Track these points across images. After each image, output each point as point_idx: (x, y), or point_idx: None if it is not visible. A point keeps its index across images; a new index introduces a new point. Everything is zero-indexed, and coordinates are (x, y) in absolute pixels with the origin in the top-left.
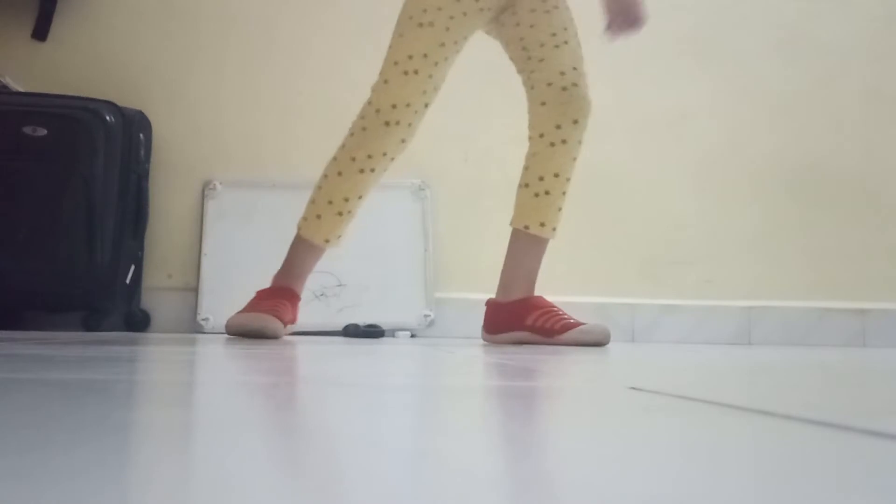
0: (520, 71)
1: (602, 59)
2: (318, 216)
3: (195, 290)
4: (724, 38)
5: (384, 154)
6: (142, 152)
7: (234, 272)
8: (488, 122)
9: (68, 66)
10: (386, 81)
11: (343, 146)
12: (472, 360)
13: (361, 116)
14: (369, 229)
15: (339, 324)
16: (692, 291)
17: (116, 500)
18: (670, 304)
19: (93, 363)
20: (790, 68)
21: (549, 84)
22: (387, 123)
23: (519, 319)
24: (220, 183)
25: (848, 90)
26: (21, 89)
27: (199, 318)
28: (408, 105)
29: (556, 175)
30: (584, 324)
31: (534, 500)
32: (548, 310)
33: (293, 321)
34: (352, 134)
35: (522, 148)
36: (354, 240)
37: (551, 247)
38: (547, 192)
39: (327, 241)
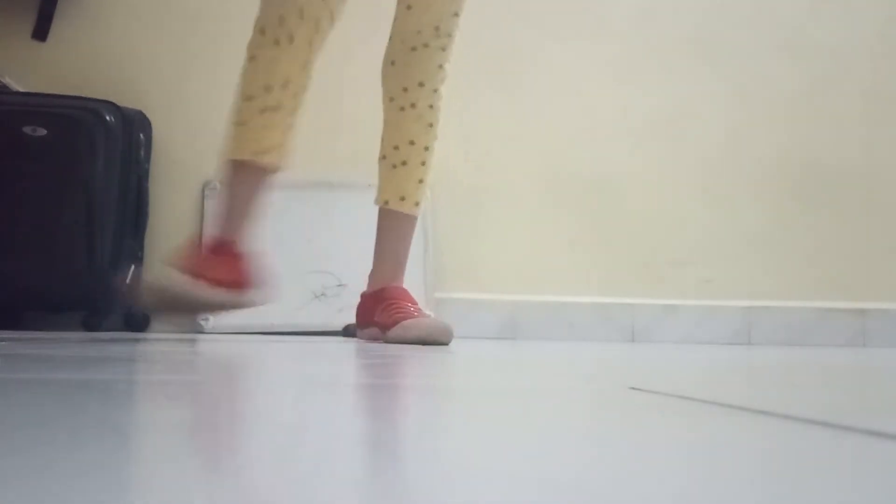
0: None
1: (602, 59)
2: (238, 122)
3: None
4: (724, 38)
5: (301, 13)
6: (142, 152)
7: None
8: (488, 122)
9: (68, 66)
10: None
11: (255, 22)
12: (478, 359)
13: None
14: (369, 229)
15: (339, 324)
16: (692, 291)
17: (116, 500)
18: (670, 304)
19: (93, 363)
20: (790, 68)
21: (402, 41)
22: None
23: (371, 313)
24: (220, 183)
25: (848, 90)
26: (21, 89)
27: (199, 317)
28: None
29: (412, 143)
30: (417, 318)
31: (533, 500)
32: (392, 302)
33: (234, 282)
34: (260, 9)
35: (522, 148)
36: (354, 240)
37: (551, 246)
38: (404, 163)
39: (258, 152)
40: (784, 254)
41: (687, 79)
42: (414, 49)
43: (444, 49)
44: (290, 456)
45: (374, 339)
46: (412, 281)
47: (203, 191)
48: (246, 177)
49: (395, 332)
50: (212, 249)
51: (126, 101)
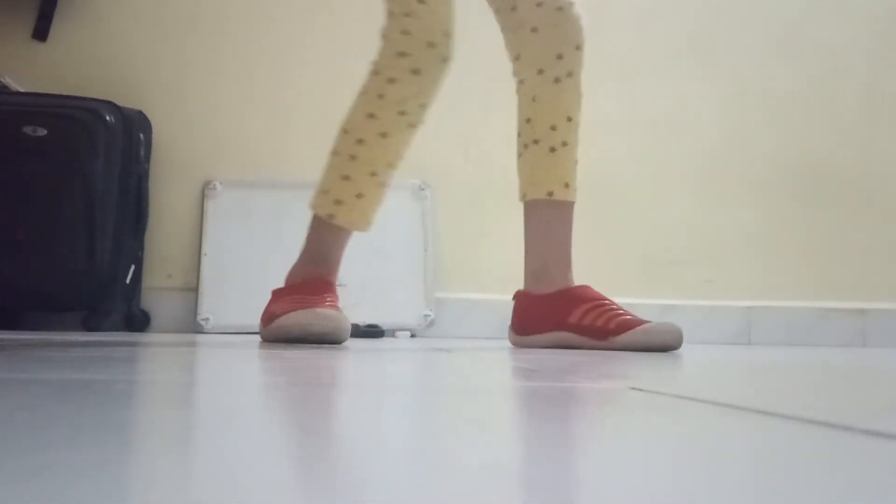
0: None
1: (602, 59)
2: (360, 195)
3: (195, 290)
4: (724, 38)
5: (422, 105)
6: (142, 152)
7: (234, 272)
8: (488, 122)
9: (68, 66)
10: (422, 1)
11: (381, 98)
12: (472, 361)
13: (401, 53)
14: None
15: None
16: (692, 291)
17: (116, 500)
18: (670, 304)
19: (93, 363)
20: (790, 68)
21: (540, 4)
22: (444, 59)
23: (560, 316)
24: (220, 183)
25: (848, 90)
26: (21, 89)
27: (199, 318)
28: (448, 34)
29: (570, 119)
30: (647, 322)
31: (533, 500)
32: (599, 303)
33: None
34: (391, 80)
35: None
36: (354, 239)
37: None
38: (564, 144)
39: (369, 223)
40: (784, 254)
41: (687, 79)
42: (560, 8)
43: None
44: (290, 456)
45: (562, 344)
46: (412, 281)
47: (203, 191)
48: (346, 235)
49: (631, 336)
50: (325, 288)
51: (126, 101)
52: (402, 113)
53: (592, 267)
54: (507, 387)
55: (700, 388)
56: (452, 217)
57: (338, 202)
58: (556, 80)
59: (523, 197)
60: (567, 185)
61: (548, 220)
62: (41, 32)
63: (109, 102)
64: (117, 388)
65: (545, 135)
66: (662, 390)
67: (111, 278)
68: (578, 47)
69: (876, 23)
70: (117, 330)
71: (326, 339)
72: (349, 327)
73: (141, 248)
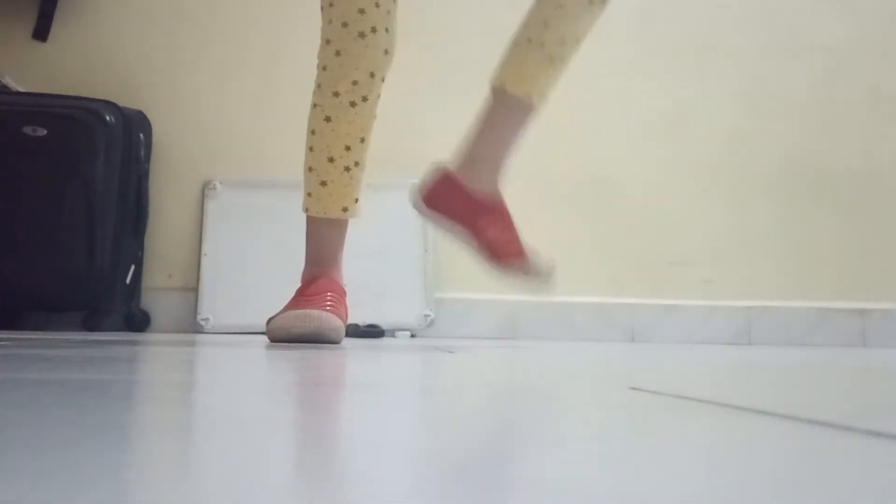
0: None
1: (602, 58)
2: (323, 182)
3: (195, 290)
4: (724, 38)
5: (372, 74)
6: (142, 152)
7: (234, 272)
8: None
9: (68, 66)
10: None
11: (318, 87)
12: (471, 359)
13: (326, 41)
14: (369, 229)
15: None
16: (692, 291)
17: (116, 500)
18: (670, 304)
19: (93, 363)
20: (791, 69)
21: None
22: (361, 34)
23: (472, 214)
24: (220, 183)
25: (850, 90)
26: (21, 89)
27: (199, 318)
28: (377, 5)
29: (578, 41)
30: (532, 258)
31: (534, 500)
32: (509, 224)
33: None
34: (323, 68)
35: (523, 148)
36: (354, 240)
37: (552, 246)
38: (563, 59)
39: (345, 209)
40: (784, 254)
41: (688, 79)
42: None
43: None
44: (290, 456)
45: (454, 233)
46: (412, 281)
47: (203, 191)
48: (331, 227)
49: (519, 265)
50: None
51: (126, 101)
52: (336, 94)
53: (593, 267)
54: (508, 387)
55: (700, 388)
56: None
57: (308, 194)
58: (591, 2)
59: (499, 83)
60: (543, 96)
61: (508, 119)
62: (41, 32)
63: (109, 102)
64: (117, 388)
65: (552, 43)
66: (662, 390)
67: (111, 278)
68: None
69: (876, 23)
70: (117, 330)
71: (314, 340)
72: (336, 325)
73: (141, 248)
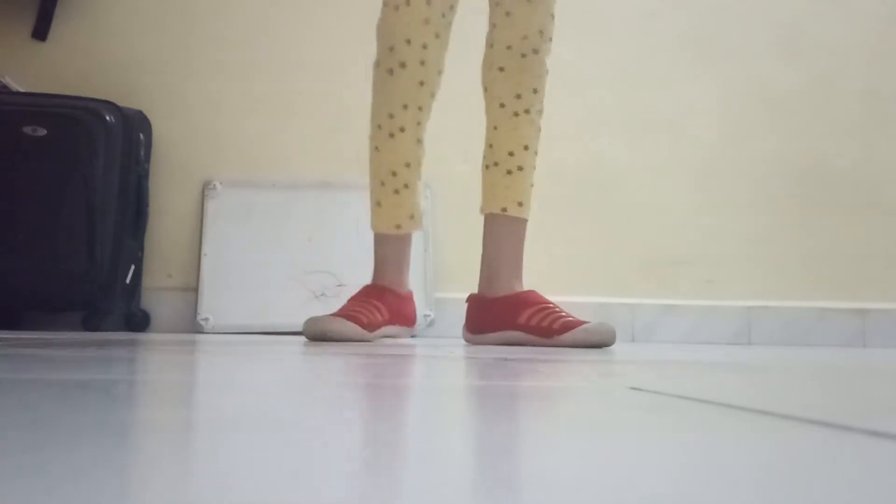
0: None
1: (602, 58)
2: (378, 203)
3: (195, 290)
4: (724, 38)
5: (405, 106)
6: (142, 152)
7: (234, 272)
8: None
9: (68, 66)
10: (378, 26)
11: (371, 119)
12: (471, 360)
13: (373, 78)
14: (369, 229)
15: None
16: (692, 291)
17: (116, 500)
18: (670, 304)
19: (93, 363)
20: (790, 68)
21: (509, 47)
22: (390, 71)
23: (510, 317)
24: (220, 183)
25: (848, 90)
26: (21, 89)
27: (199, 318)
28: (408, 41)
29: (526, 148)
30: (586, 322)
31: (534, 501)
32: (544, 306)
33: (387, 321)
34: (371, 104)
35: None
36: (354, 240)
37: (551, 246)
38: (520, 168)
39: (399, 226)
40: (784, 254)
41: (687, 78)
42: (524, 55)
43: (548, 52)
44: (290, 456)
45: (510, 342)
46: (412, 281)
47: (203, 191)
48: (393, 241)
49: (572, 335)
50: (368, 294)
51: (126, 101)
52: (380, 126)
53: (593, 267)
54: (508, 386)
55: (700, 388)
56: (452, 217)
57: (371, 209)
58: (516, 114)
59: (482, 210)
60: (521, 205)
61: (499, 232)
62: (41, 32)
63: (109, 102)
64: (117, 388)
65: (503, 159)
66: (662, 390)
67: (111, 278)
68: (535, 91)
69: (876, 23)
70: (117, 330)
71: (320, 339)
72: (337, 328)
73: (141, 248)
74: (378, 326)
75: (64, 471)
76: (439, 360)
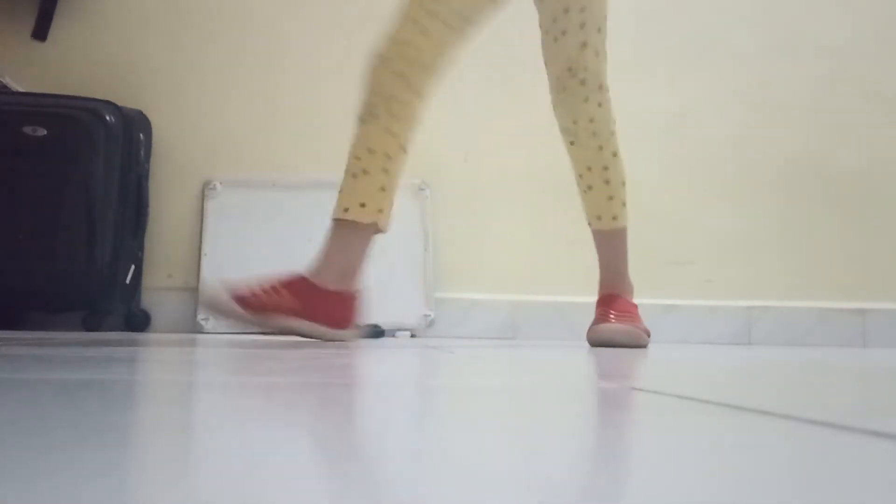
0: (542, 30)
1: None
2: (340, 190)
3: (195, 290)
4: (726, 39)
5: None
6: (142, 152)
7: (234, 272)
8: (488, 122)
9: (68, 66)
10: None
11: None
12: (470, 360)
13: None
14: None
15: None
16: (692, 291)
17: (116, 500)
18: (670, 304)
19: (93, 363)
20: (792, 69)
21: (557, 78)
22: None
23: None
24: (220, 183)
25: (850, 91)
26: (21, 89)
27: (199, 318)
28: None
29: (590, 168)
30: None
31: (534, 501)
32: (625, 309)
33: (291, 311)
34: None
35: (522, 148)
36: None
37: (551, 246)
38: (590, 187)
39: (346, 209)
40: (784, 254)
41: (689, 79)
42: (565, 89)
43: (597, 71)
44: (289, 455)
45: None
46: (413, 281)
47: (203, 191)
48: (363, 237)
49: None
50: (327, 294)
51: (126, 101)
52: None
53: (593, 267)
54: (508, 387)
55: (700, 388)
56: (452, 217)
57: (361, 205)
58: (571, 143)
59: (594, 227)
60: (599, 218)
61: (596, 241)
62: (41, 32)
63: (109, 102)
64: (117, 388)
65: (577, 180)
66: (663, 390)
67: (111, 278)
68: (592, 120)
69: (876, 23)
70: (117, 330)
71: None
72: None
73: (141, 248)
74: (270, 311)
75: (64, 470)
76: (443, 358)
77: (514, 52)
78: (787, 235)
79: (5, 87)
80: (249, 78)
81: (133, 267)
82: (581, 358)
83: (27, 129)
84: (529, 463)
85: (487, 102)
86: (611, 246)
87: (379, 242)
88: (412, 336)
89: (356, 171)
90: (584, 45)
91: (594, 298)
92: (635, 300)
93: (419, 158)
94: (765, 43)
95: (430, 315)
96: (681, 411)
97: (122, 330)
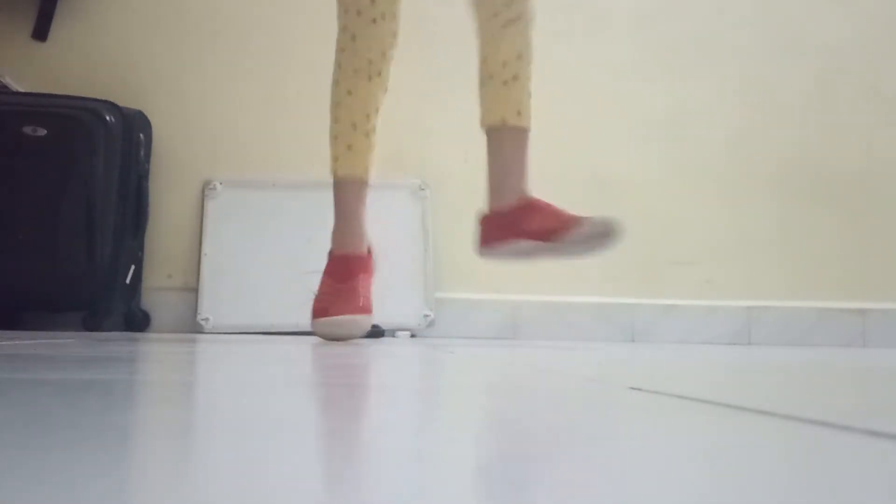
0: None
1: (603, 59)
2: (349, 146)
3: (195, 290)
4: (726, 38)
5: (383, 53)
6: (142, 152)
7: (234, 272)
8: None
9: (68, 66)
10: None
11: (339, 66)
12: (470, 360)
13: (343, 27)
14: (369, 229)
15: None
16: (692, 291)
17: (116, 500)
18: (670, 304)
19: (93, 363)
20: (792, 69)
21: None
22: (373, 20)
23: (518, 225)
24: (220, 183)
25: (850, 91)
26: (21, 89)
27: (199, 318)
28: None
29: (520, 56)
30: (590, 217)
31: (534, 501)
32: (548, 209)
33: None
34: (342, 50)
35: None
36: None
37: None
38: (515, 77)
39: (367, 169)
40: (784, 254)
41: (688, 79)
42: None
43: None
44: (289, 455)
45: (523, 252)
46: (413, 281)
47: (203, 191)
48: (356, 188)
49: (579, 231)
50: (357, 269)
51: (126, 101)
52: (356, 71)
53: (593, 267)
54: (508, 387)
55: (700, 388)
56: (452, 217)
57: (335, 158)
58: (506, 24)
59: (481, 124)
60: (519, 113)
61: (501, 144)
62: (41, 32)
63: (109, 102)
64: (117, 388)
65: (497, 70)
66: (662, 390)
67: (111, 278)
68: None
69: (876, 23)
70: (117, 330)
71: (343, 339)
72: (365, 326)
73: (141, 248)
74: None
75: (64, 471)
76: (443, 359)
77: None
78: (786, 235)
79: (5, 87)
80: (250, 78)
81: (133, 267)
82: (581, 358)
83: (27, 129)
84: (529, 463)
85: None
86: (524, 146)
87: (379, 242)
88: (412, 336)
89: (507, 77)
90: None
91: (594, 298)
92: (634, 300)
93: (419, 158)
94: (764, 43)
95: (430, 315)
96: (681, 411)
97: (122, 330)
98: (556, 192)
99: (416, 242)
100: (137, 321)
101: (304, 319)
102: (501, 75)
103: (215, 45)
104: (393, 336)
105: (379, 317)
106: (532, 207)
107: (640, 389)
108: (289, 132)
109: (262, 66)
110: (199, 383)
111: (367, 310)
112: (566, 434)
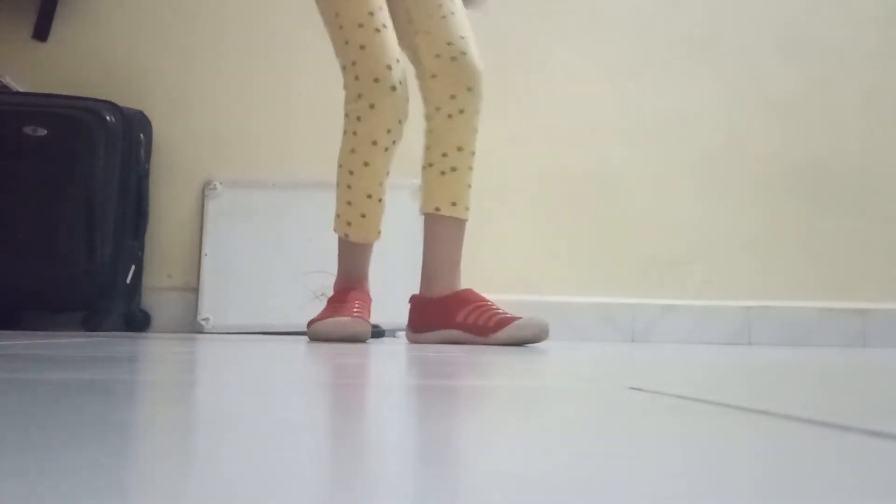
0: (405, 47)
1: (602, 59)
2: (363, 215)
3: (195, 290)
4: (724, 38)
5: (399, 122)
6: (142, 152)
7: (234, 272)
8: (488, 122)
9: (68, 66)
10: (363, 47)
11: (354, 134)
12: (473, 360)
13: (358, 95)
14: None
15: None
16: (692, 291)
17: (116, 500)
18: (670, 304)
19: (93, 363)
20: (790, 68)
21: (438, 56)
22: (393, 88)
23: (448, 316)
24: (220, 183)
25: (848, 90)
26: (21, 89)
27: (199, 318)
28: (397, 60)
29: (460, 149)
30: (519, 318)
31: (534, 501)
32: (480, 304)
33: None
34: (358, 118)
35: (522, 148)
36: None
37: (552, 246)
38: (453, 169)
39: (378, 232)
40: (784, 254)
41: (687, 79)
42: (454, 59)
43: (477, 56)
44: (289, 455)
45: (449, 341)
46: (413, 281)
47: (203, 191)
48: (364, 249)
49: (505, 332)
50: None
51: (126, 101)
52: (375, 143)
53: (593, 267)
54: (507, 386)
55: (700, 388)
56: None
57: (348, 224)
58: (450, 116)
59: (420, 210)
60: (454, 204)
61: (436, 232)
62: (41, 32)
63: (109, 102)
64: (117, 388)
65: (437, 160)
66: (662, 390)
67: (111, 278)
68: (470, 89)
69: (876, 23)
70: (117, 330)
71: (348, 341)
72: (367, 329)
73: (141, 248)
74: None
75: (64, 471)
76: (444, 358)
77: (512, 54)
78: (786, 235)
79: (6, 87)
80: (250, 78)
81: (133, 267)
82: (580, 358)
83: (27, 129)
84: (529, 463)
85: (487, 102)
86: (458, 237)
87: (379, 242)
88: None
89: (445, 168)
90: (468, 26)
91: (594, 299)
92: (634, 300)
93: (419, 158)
94: (764, 43)
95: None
96: (681, 411)
97: (122, 330)
98: (557, 192)
99: (417, 242)
100: (137, 321)
101: (304, 319)
102: (440, 165)
103: (216, 45)
104: (393, 336)
105: (379, 317)
106: (462, 300)
107: (639, 389)
108: (289, 132)
109: (262, 66)
110: (200, 383)
111: (362, 318)
112: (565, 434)
